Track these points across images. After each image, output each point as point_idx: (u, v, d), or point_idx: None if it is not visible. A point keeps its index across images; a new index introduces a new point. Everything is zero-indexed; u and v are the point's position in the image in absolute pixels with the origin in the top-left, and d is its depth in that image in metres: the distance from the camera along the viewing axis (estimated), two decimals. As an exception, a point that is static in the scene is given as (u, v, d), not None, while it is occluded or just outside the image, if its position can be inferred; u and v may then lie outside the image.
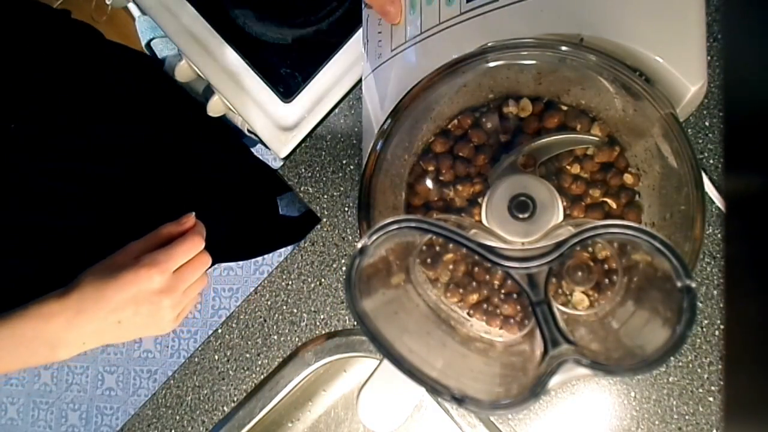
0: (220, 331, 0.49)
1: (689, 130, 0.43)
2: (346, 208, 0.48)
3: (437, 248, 0.30)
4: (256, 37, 0.51)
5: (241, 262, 1.35)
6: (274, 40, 0.51)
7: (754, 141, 0.15)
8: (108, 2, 0.59)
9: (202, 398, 0.49)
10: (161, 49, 0.61)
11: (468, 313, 0.31)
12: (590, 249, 0.27)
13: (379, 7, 0.39)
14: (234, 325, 0.49)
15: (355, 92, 0.49)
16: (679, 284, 0.21)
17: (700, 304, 0.43)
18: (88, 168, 0.49)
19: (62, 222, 0.47)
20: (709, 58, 0.32)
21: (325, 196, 0.49)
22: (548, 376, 0.22)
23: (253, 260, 1.34)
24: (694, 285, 0.21)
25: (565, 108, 0.31)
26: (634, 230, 0.22)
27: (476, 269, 0.30)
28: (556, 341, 0.23)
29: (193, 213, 0.42)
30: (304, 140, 0.49)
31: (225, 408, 0.49)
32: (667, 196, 0.30)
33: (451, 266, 0.31)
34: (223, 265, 1.36)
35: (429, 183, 0.33)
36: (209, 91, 0.60)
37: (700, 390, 0.43)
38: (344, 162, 0.49)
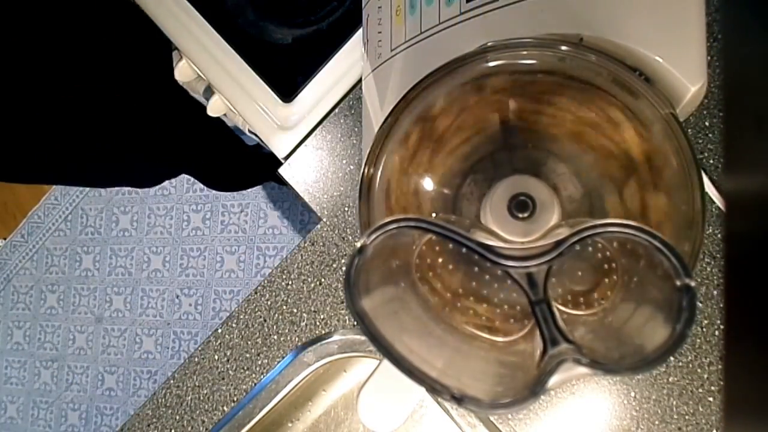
0: (219, 331, 0.49)
1: (689, 130, 0.43)
2: (346, 208, 0.48)
3: (436, 248, 0.30)
4: (256, 37, 0.51)
5: (242, 265, 1.35)
6: (274, 40, 0.51)
7: (754, 141, 0.15)
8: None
9: (202, 398, 0.49)
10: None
11: (468, 313, 0.31)
12: (589, 248, 0.27)
13: None
14: (234, 325, 0.49)
15: (355, 92, 0.49)
16: (678, 283, 0.21)
17: (700, 304, 0.43)
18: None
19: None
20: (709, 58, 0.32)
21: (325, 196, 0.49)
22: (548, 375, 0.22)
23: (254, 263, 1.34)
24: (693, 284, 0.21)
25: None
26: (634, 229, 0.22)
27: (475, 269, 0.30)
28: (556, 340, 0.23)
29: None
30: (304, 140, 0.49)
31: (225, 408, 0.49)
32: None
33: (450, 267, 0.31)
34: (225, 267, 1.36)
35: (428, 182, 0.33)
36: (209, 91, 0.60)
37: (700, 390, 0.43)
38: (344, 162, 0.49)
